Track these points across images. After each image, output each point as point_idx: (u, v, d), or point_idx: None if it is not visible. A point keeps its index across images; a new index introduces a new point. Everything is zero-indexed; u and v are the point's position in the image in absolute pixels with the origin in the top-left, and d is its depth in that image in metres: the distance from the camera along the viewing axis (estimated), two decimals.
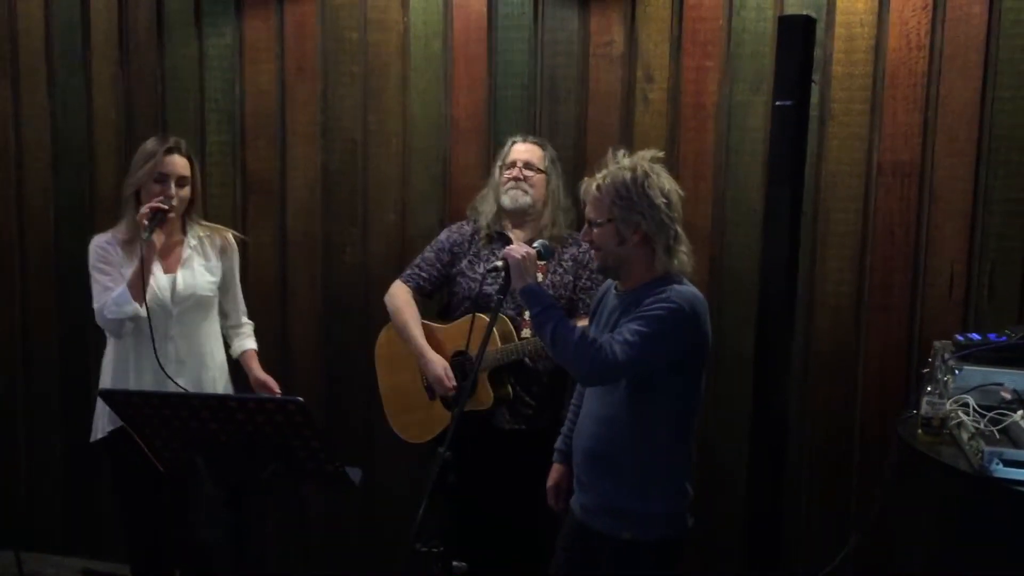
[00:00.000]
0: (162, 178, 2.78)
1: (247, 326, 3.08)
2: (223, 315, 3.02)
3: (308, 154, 3.47)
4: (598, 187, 2.34)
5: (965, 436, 2.39)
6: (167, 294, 2.83)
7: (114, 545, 3.65)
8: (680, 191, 2.37)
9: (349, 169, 3.45)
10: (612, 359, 2.21)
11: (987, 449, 2.24)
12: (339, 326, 3.51)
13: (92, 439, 2.90)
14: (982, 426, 2.39)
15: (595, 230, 2.36)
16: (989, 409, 2.47)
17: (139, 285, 2.70)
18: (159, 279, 2.83)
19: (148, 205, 2.72)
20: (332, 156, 3.46)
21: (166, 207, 2.73)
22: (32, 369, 3.80)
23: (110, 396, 2.35)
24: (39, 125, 3.66)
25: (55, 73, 3.62)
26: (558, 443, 2.65)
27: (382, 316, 3.11)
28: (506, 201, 2.95)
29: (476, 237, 3.04)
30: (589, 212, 2.38)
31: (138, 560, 2.96)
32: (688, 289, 2.32)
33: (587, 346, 2.24)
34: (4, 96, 3.67)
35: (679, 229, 2.35)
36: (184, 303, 2.85)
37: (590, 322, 2.53)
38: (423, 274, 3.05)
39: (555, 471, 2.64)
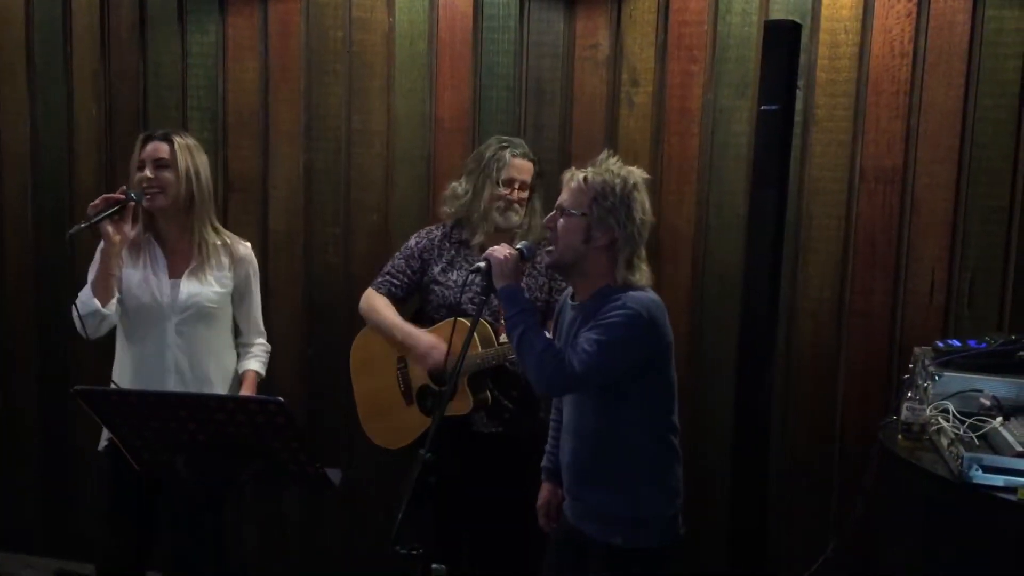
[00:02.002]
0: (141, 165, 2.72)
1: (259, 347, 2.93)
2: (237, 331, 2.91)
3: (291, 153, 3.45)
4: (585, 179, 2.32)
5: (945, 442, 2.40)
6: (167, 300, 2.74)
7: (89, 546, 3.61)
8: (652, 217, 2.39)
9: (332, 168, 3.43)
10: (570, 371, 2.21)
11: (967, 455, 2.25)
12: (320, 326, 3.49)
13: (100, 447, 2.79)
14: (962, 432, 2.40)
15: (563, 219, 2.34)
16: (969, 415, 2.48)
17: (102, 284, 2.64)
18: (162, 283, 2.74)
19: (102, 196, 2.65)
20: (315, 155, 3.44)
21: (123, 197, 2.65)
22: (9, 370, 3.75)
23: (86, 395, 2.31)
24: (19, 122, 3.62)
25: (35, 69, 3.59)
26: (544, 461, 2.63)
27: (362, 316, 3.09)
28: (500, 221, 2.89)
29: (447, 242, 3.00)
30: (564, 200, 2.35)
31: (106, 562, 2.88)
32: (644, 294, 2.31)
33: (550, 357, 2.24)
34: None
35: (643, 250, 2.37)
36: (185, 312, 2.75)
37: (552, 335, 2.51)
38: (395, 281, 3.01)
39: (543, 490, 2.62)
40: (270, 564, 3.60)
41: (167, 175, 2.72)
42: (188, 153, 2.75)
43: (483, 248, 2.92)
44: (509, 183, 2.89)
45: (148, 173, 2.70)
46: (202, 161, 2.79)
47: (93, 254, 2.77)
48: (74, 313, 2.68)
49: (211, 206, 2.82)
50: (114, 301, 2.69)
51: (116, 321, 2.74)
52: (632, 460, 2.34)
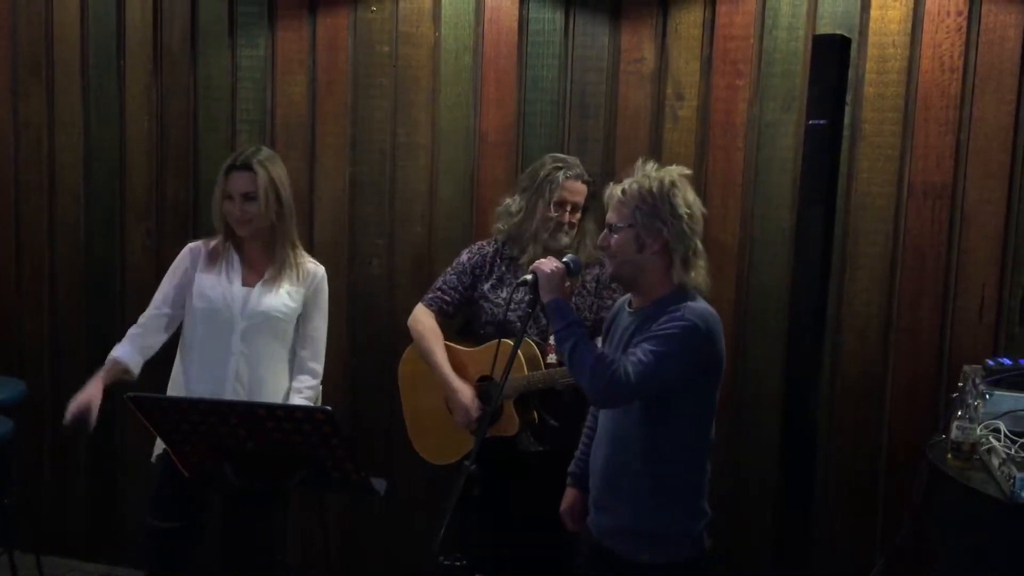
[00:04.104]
0: (227, 196, 2.77)
1: (306, 380, 2.87)
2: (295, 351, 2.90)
3: (337, 166, 3.49)
4: (623, 191, 2.33)
5: (996, 462, 2.36)
6: (237, 306, 2.77)
7: (135, 552, 3.66)
8: (703, 208, 2.36)
9: (377, 181, 3.46)
10: (626, 380, 2.19)
11: (1019, 475, 2.22)
12: (364, 336, 3.52)
13: (152, 458, 2.82)
14: (1013, 452, 2.37)
15: (614, 236, 2.33)
16: (1020, 435, 2.45)
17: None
18: (234, 289, 2.79)
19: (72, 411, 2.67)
20: (361, 168, 3.47)
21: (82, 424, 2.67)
22: (59, 375, 3.82)
23: (138, 401, 2.36)
24: (72, 133, 3.71)
25: (89, 81, 3.67)
26: (571, 467, 2.63)
27: (407, 328, 3.10)
28: (550, 242, 2.87)
29: (499, 259, 3.01)
30: (610, 217, 2.36)
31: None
32: (702, 306, 2.30)
33: (603, 367, 2.22)
34: (38, 103, 3.72)
35: (699, 244, 2.34)
36: (252, 319, 2.77)
37: (603, 341, 2.50)
38: (445, 297, 3.02)
39: (568, 495, 2.61)
40: (312, 571, 3.62)
41: (254, 208, 2.75)
42: (268, 176, 2.76)
43: (514, 261, 2.94)
44: (561, 205, 2.88)
45: (236, 210, 2.75)
46: (280, 177, 2.81)
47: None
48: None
49: (292, 223, 2.84)
50: (138, 359, 2.82)
51: (160, 345, 2.82)
52: (666, 473, 2.32)
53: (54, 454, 3.86)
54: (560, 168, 2.91)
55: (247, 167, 2.75)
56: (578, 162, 2.98)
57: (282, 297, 2.81)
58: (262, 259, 2.83)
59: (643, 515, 2.33)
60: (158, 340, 2.84)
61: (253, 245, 2.83)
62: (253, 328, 2.78)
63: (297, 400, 2.83)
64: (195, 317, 2.80)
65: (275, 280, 2.80)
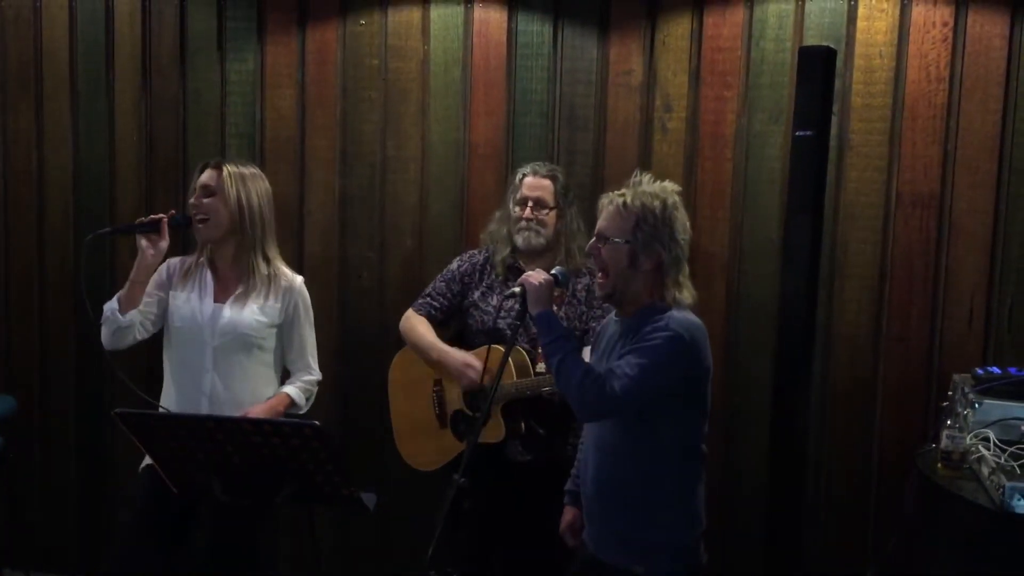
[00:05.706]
0: (193, 192, 2.78)
1: (303, 374, 2.88)
2: (285, 363, 2.90)
3: (327, 179, 3.49)
4: (625, 205, 2.30)
5: (986, 471, 2.37)
6: (208, 324, 2.75)
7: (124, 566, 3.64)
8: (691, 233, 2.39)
9: (367, 194, 3.47)
10: (611, 395, 2.19)
11: (1008, 484, 2.23)
12: (355, 349, 3.52)
13: (140, 468, 2.79)
14: (1003, 461, 2.38)
15: (606, 247, 2.33)
16: (1010, 444, 2.46)
17: (127, 291, 2.73)
18: (204, 307, 2.77)
19: (150, 217, 2.74)
20: (351, 181, 3.48)
21: (158, 217, 2.72)
22: (48, 390, 3.81)
23: (126, 417, 2.34)
24: (61, 147, 3.69)
25: (78, 95, 3.66)
26: (568, 484, 2.61)
27: (398, 339, 3.11)
28: (519, 242, 2.93)
29: (489, 267, 3.03)
30: (605, 228, 2.33)
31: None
32: (686, 317, 2.29)
33: (590, 382, 2.22)
34: (27, 117, 3.71)
35: (687, 266, 2.36)
36: (224, 337, 2.75)
37: (592, 351, 2.50)
38: (434, 303, 3.05)
39: (567, 513, 2.59)
40: None
41: (211, 203, 2.74)
42: (240, 182, 2.74)
43: (505, 264, 2.96)
44: (522, 202, 2.94)
45: (193, 200, 2.76)
46: (257, 189, 2.78)
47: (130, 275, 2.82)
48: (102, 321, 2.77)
49: (266, 236, 2.80)
50: (134, 312, 2.73)
51: (136, 336, 2.78)
52: (657, 480, 2.31)
53: (44, 470, 3.84)
54: (525, 170, 2.99)
55: (217, 166, 2.76)
56: (546, 164, 3.03)
57: (253, 312, 2.77)
58: (234, 274, 2.80)
59: (634, 524, 2.32)
60: (136, 316, 2.77)
61: (223, 258, 2.80)
62: (225, 346, 2.75)
63: (287, 388, 2.84)
64: (172, 336, 2.79)
65: (246, 296, 2.77)
